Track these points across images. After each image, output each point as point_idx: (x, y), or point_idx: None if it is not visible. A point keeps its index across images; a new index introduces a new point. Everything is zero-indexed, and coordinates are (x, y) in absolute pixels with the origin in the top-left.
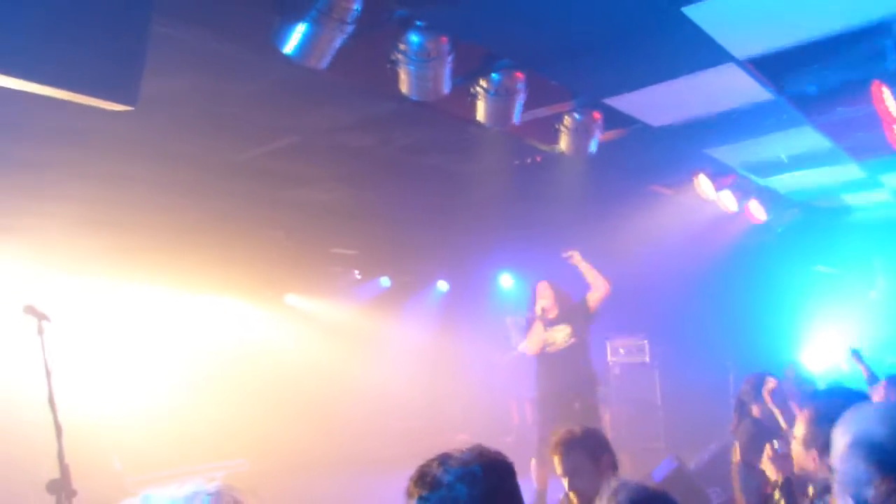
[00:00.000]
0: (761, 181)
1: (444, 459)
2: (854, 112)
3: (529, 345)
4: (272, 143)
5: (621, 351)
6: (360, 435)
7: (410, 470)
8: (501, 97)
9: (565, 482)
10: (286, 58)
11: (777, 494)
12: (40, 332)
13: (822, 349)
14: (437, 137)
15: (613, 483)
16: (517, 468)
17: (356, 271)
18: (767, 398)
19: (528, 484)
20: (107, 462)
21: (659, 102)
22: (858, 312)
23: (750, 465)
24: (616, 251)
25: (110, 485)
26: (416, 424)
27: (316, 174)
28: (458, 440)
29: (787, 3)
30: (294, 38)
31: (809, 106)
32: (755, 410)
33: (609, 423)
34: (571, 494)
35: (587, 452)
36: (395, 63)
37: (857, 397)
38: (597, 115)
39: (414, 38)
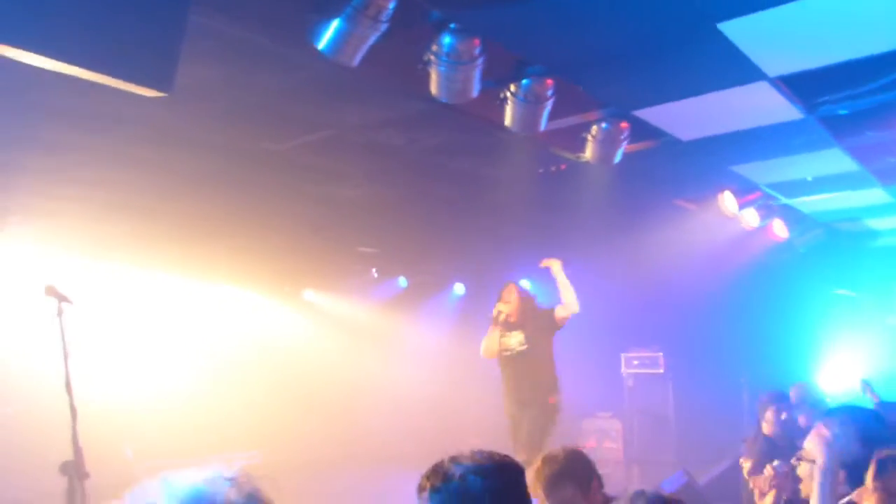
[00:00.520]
0: (786, 200)
1: (455, 457)
2: (884, 136)
3: (483, 348)
4: (300, 138)
5: (635, 362)
6: (373, 433)
7: (422, 469)
8: (530, 103)
9: None
10: (319, 53)
11: None
12: (60, 313)
13: (836, 372)
14: (464, 140)
15: (630, 492)
16: None
17: (374, 270)
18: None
19: None
20: (119, 448)
21: (688, 116)
22: (875, 337)
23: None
24: (636, 263)
25: (122, 470)
26: (429, 425)
27: (341, 170)
28: (471, 444)
29: (823, 25)
30: (327, 34)
31: (839, 127)
32: (767, 428)
33: (621, 434)
34: None
35: (575, 484)
36: (426, 63)
37: (871, 416)
38: (624, 125)
39: (446, 39)
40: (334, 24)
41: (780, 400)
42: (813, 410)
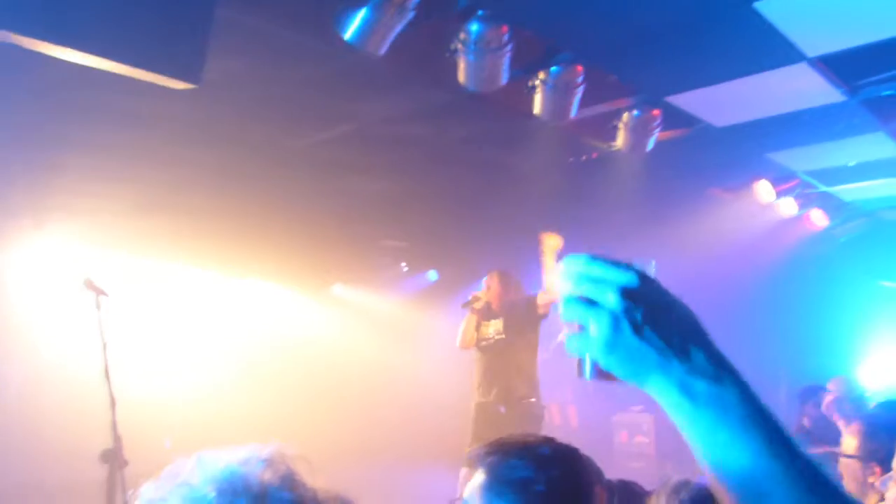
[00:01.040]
0: (825, 188)
1: (507, 438)
2: None
3: (459, 336)
4: (327, 131)
5: None
6: (402, 427)
7: (450, 463)
8: (559, 91)
9: None
10: (345, 44)
11: None
12: (97, 306)
13: (879, 366)
14: (492, 130)
15: (673, 480)
16: None
17: (403, 264)
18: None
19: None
20: (156, 438)
21: (723, 102)
22: None
23: None
24: (668, 254)
25: (159, 458)
26: (458, 421)
27: (370, 163)
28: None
29: (865, 0)
30: (354, 24)
31: (883, 110)
32: (806, 421)
33: (653, 428)
34: None
35: None
36: (453, 52)
37: None
38: (656, 112)
39: (474, 27)
40: (361, 13)
41: (819, 394)
42: (852, 405)
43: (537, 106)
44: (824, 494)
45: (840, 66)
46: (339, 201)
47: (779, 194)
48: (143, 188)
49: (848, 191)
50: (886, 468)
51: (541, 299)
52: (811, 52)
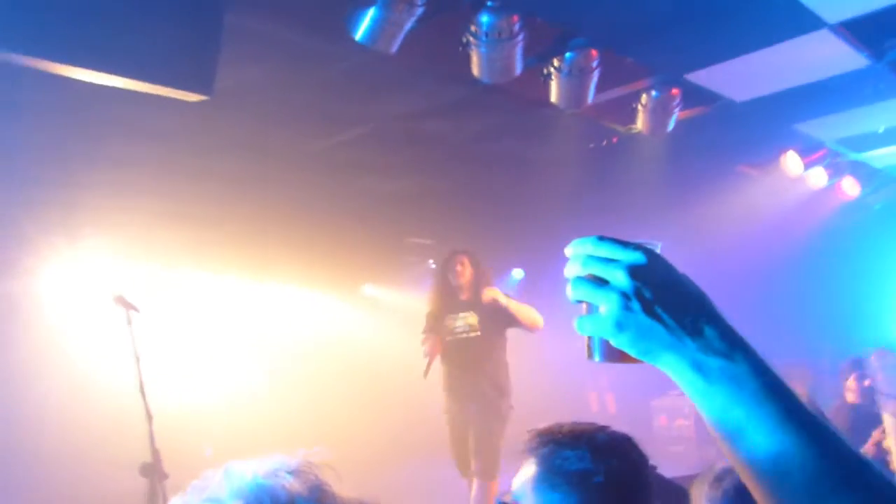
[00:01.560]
0: (855, 156)
1: (559, 425)
2: None
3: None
4: (346, 132)
5: None
6: (438, 425)
7: None
8: (575, 77)
9: None
10: (357, 45)
11: None
12: (129, 321)
13: None
14: (510, 122)
15: (717, 467)
16: None
17: (431, 261)
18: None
19: None
20: (195, 448)
21: (743, 76)
22: None
23: None
24: (698, 236)
25: (199, 470)
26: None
27: (389, 162)
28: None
29: None
30: (364, 24)
31: None
32: (850, 397)
33: (693, 411)
34: None
35: None
36: (465, 45)
37: None
38: (675, 91)
39: (484, 18)
40: (370, 13)
41: (861, 366)
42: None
43: (554, 94)
44: (847, 468)
45: (863, 31)
46: (362, 202)
47: (808, 165)
48: (168, 200)
49: (878, 157)
50: None
51: (524, 323)
52: (832, 19)
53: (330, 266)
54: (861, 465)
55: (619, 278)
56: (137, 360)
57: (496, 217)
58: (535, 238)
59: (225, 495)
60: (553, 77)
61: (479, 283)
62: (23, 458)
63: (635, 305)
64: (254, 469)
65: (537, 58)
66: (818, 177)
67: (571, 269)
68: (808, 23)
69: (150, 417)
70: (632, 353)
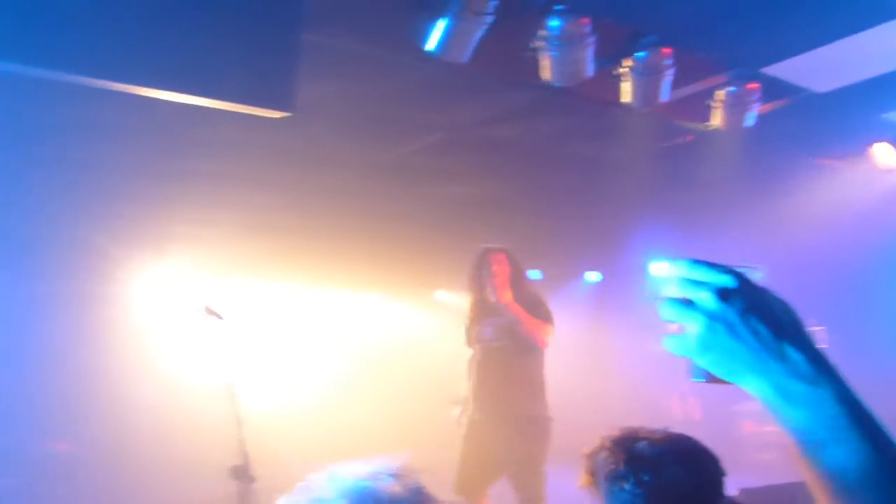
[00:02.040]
0: None
1: (645, 434)
2: None
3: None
4: (420, 141)
5: None
6: None
7: (566, 465)
8: (648, 76)
9: None
10: (429, 55)
11: None
12: (216, 330)
13: None
14: (582, 124)
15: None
16: None
17: None
18: None
19: None
20: (281, 453)
21: (825, 66)
22: None
23: None
24: (779, 234)
25: (286, 473)
26: (572, 420)
27: (462, 168)
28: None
29: None
30: (435, 35)
31: None
32: None
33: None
34: None
35: None
36: (535, 50)
37: None
38: (753, 85)
39: (554, 22)
40: (441, 24)
41: None
42: None
43: (626, 94)
44: None
45: None
46: (435, 208)
47: None
48: (249, 212)
49: None
50: None
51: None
52: None
53: (403, 272)
54: None
55: (707, 300)
56: (226, 366)
57: (570, 220)
58: (609, 240)
59: (330, 496)
60: (625, 77)
61: (516, 283)
62: (120, 462)
63: (720, 327)
64: (356, 471)
65: (608, 58)
66: None
67: (666, 290)
68: (891, 9)
69: (239, 422)
70: (715, 373)
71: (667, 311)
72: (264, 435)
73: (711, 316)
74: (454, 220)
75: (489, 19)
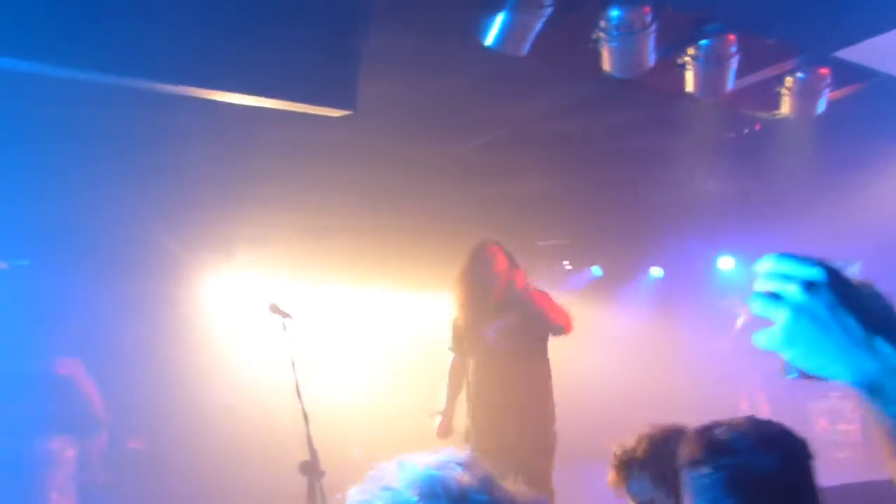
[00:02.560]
0: None
1: (728, 424)
2: None
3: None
4: (480, 138)
5: None
6: (578, 427)
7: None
8: (712, 64)
9: None
10: (488, 51)
11: None
12: (284, 328)
13: None
14: (644, 116)
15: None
16: None
17: (566, 262)
18: None
19: None
20: (347, 448)
21: None
22: None
23: None
24: (854, 225)
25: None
26: (637, 417)
27: (522, 164)
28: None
29: None
30: (494, 29)
31: None
32: None
33: (857, 414)
34: None
35: None
36: (596, 41)
37: None
38: (824, 71)
39: (614, 12)
40: (499, 18)
41: None
42: None
43: (690, 84)
44: None
45: None
46: (497, 206)
47: None
48: (313, 214)
49: None
50: None
51: (554, 321)
52: None
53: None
54: None
55: (794, 293)
56: (293, 364)
57: (632, 214)
58: (673, 235)
59: (400, 485)
60: (689, 66)
61: (512, 279)
62: (192, 461)
63: (806, 320)
64: (426, 461)
65: (671, 47)
66: None
67: (755, 285)
68: None
69: (306, 418)
70: (805, 368)
71: (756, 306)
72: (332, 430)
73: (798, 309)
74: (514, 218)
75: (548, 11)
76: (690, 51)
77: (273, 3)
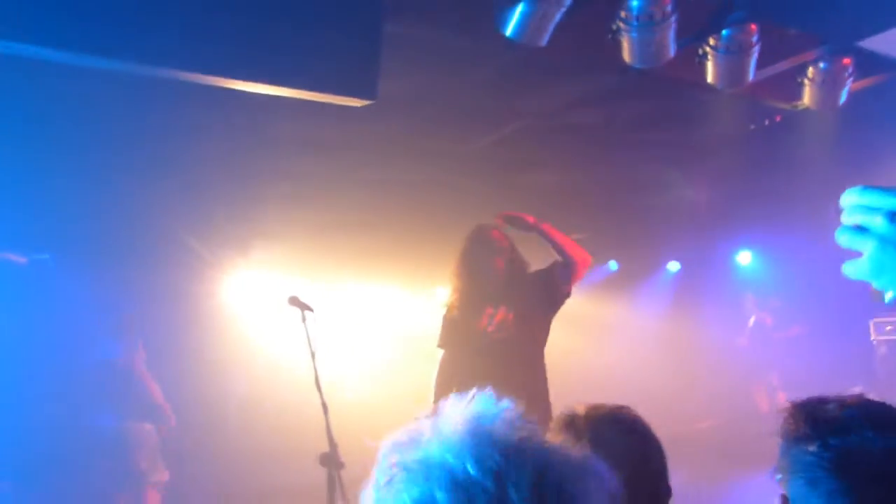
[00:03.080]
0: None
1: (837, 401)
2: None
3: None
4: (500, 130)
5: (888, 328)
6: None
7: None
8: (733, 54)
9: None
10: (507, 42)
11: None
12: (303, 320)
13: None
14: (664, 107)
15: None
16: None
17: None
18: None
19: None
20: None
21: None
22: None
23: None
24: None
25: (370, 461)
26: (655, 412)
27: (542, 157)
28: (700, 428)
29: None
30: (513, 19)
31: None
32: None
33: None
34: None
35: None
36: (615, 32)
37: None
38: (846, 61)
39: (635, 2)
40: (519, 8)
41: None
42: None
43: (710, 74)
44: None
45: None
46: (516, 199)
47: None
48: (330, 209)
49: None
50: None
51: (561, 276)
52: None
53: None
54: None
55: (879, 224)
56: (313, 356)
57: (652, 207)
58: (692, 228)
59: (442, 436)
60: (709, 56)
61: (514, 265)
62: (213, 453)
63: (892, 249)
64: (467, 411)
65: (691, 37)
66: None
67: (841, 218)
68: None
69: (325, 409)
70: (893, 293)
71: (842, 238)
72: (351, 422)
73: (883, 239)
74: (534, 210)
75: (567, 1)
76: (711, 41)
77: None
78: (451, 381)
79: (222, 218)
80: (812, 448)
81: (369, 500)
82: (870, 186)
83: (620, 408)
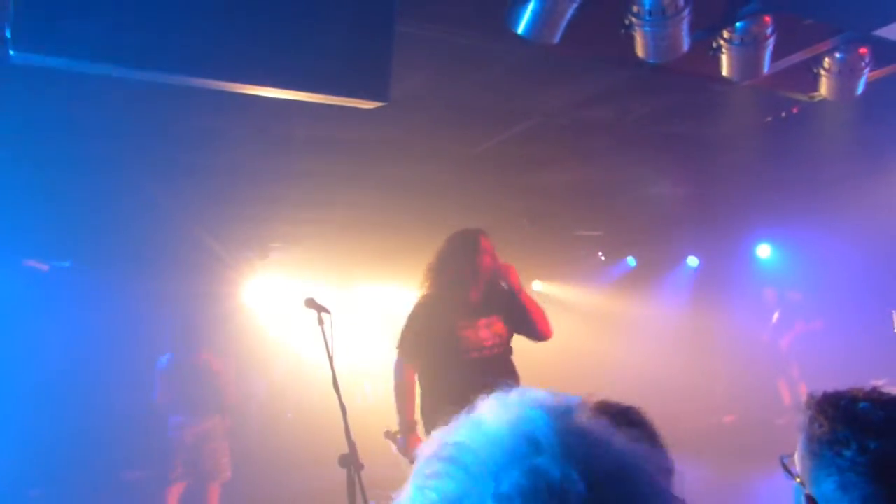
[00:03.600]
0: None
1: (870, 399)
2: None
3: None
4: (512, 129)
5: None
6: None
7: (675, 454)
8: (748, 46)
9: None
10: (518, 40)
11: None
12: (320, 322)
13: None
14: (679, 102)
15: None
16: None
17: (600, 253)
18: None
19: None
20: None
21: None
22: None
23: None
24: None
25: (392, 461)
26: (677, 407)
27: (556, 155)
28: (724, 423)
29: None
30: (525, 17)
31: None
32: None
33: None
34: None
35: None
36: (628, 27)
37: None
38: (863, 50)
39: None
40: (530, 5)
41: None
42: None
43: (725, 67)
44: None
45: None
46: (530, 197)
47: None
48: (347, 210)
49: None
50: None
51: (534, 332)
52: None
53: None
54: None
55: None
56: (330, 358)
57: (668, 203)
58: (710, 223)
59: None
60: (724, 49)
61: (498, 277)
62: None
63: None
64: (531, 399)
65: (705, 30)
66: None
67: None
68: None
69: (344, 411)
70: None
71: None
72: (373, 424)
73: None
74: (549, 208)
75: None
76: (725, 33)
77: None
78: (412, 391)
79: (240, 219)
80: (847, 451)
81: None
82: None
83: (629, 408)
